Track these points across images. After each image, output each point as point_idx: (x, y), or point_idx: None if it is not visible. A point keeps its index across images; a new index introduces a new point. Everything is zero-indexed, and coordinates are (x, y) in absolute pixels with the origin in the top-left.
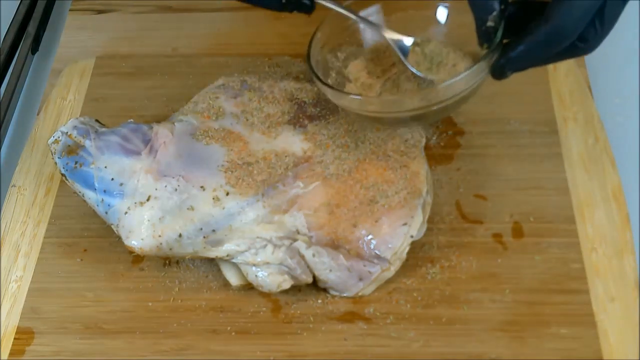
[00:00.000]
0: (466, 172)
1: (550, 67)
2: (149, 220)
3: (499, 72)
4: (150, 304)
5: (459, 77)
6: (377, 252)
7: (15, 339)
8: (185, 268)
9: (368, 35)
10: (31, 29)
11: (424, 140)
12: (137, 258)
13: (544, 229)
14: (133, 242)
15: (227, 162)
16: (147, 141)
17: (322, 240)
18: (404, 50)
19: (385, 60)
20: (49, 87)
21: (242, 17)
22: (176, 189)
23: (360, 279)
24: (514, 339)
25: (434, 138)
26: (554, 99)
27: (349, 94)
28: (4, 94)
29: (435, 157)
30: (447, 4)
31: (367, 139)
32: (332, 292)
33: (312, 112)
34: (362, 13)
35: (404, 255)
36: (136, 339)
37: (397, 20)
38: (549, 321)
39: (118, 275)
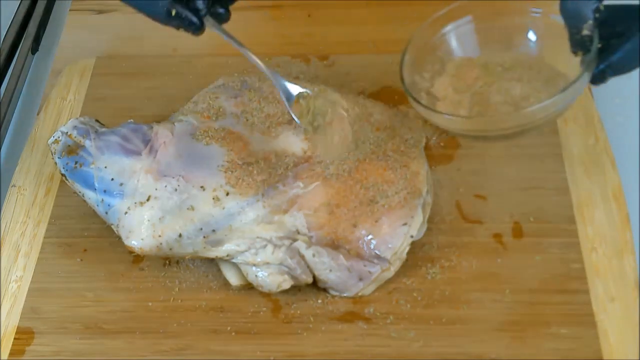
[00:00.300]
0: (466, 172)
1: None
2: (149, 220)
3: (600, 77)
4: (150, 304)
5: (554, 98)
6: (377, 252)
7: (15, 339)
8: (185, 268)
9: (449, 53)
10: (31, 29)
11: (424, 140)
12: (137, 258)
13: (544, 229)
14: (133, 242)
15: (227, 162)
16: (147, 141)
17: (322, 240)
18: (290, 99)
19: (468, 75)
20: (49, 87)
21: (242, 17)
22: (176, 189)
23: (360, 279)
24: (514, 339)
25: (434, 138)
26: None
27: (455, 116)
28: (4, 94)
29: (435, 157)
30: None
31: (367, 139)
32: (332, 292)
33: None
34: (454, 24)
35: (404, 255)
36: (136, 339)
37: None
38: (549, 321)
39: (118, 275)
